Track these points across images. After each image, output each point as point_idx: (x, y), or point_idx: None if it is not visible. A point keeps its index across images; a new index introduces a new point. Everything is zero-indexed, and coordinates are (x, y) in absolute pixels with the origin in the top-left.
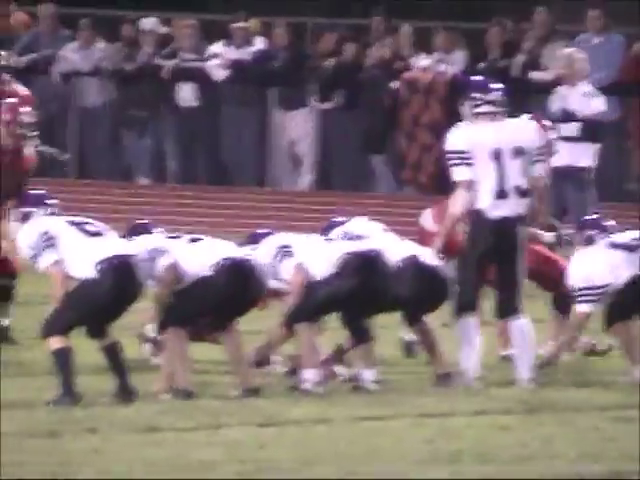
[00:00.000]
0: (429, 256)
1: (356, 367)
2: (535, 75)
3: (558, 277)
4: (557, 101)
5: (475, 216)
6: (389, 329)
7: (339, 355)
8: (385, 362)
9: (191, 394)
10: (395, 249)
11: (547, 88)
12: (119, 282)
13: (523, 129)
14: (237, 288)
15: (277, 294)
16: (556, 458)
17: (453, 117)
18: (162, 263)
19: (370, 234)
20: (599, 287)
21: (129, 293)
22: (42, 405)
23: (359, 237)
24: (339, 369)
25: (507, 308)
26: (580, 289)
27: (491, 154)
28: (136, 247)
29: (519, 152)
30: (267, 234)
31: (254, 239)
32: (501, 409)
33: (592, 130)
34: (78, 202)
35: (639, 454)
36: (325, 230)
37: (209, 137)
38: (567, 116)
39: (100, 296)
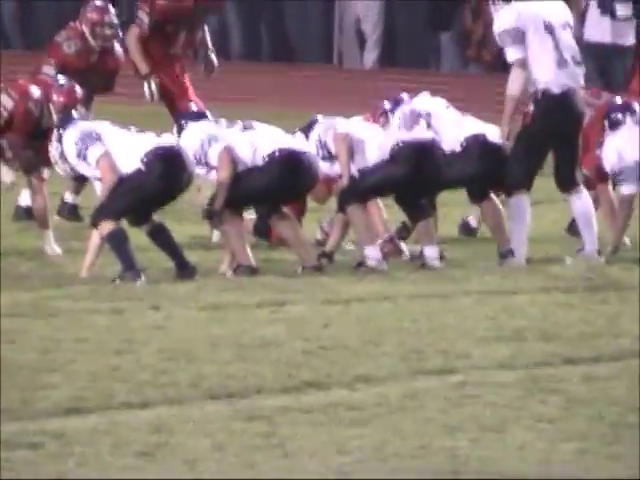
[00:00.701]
0: (492, 134)
1: (419, 244)
2: None
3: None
4: None
5: (540, 95)
6: (454, 207)
7: (404, 232)
8: (449, 240)
9: (255, 271)
10: (459, 126)
11: None
12: (166, 171)
13: (563, 6)
14: (290, 179)
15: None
16: (620, 336)
17: None
18: (215, 150)
19: (434, 110)
20: (634, 165)
21: (177, 182)
22: (106, 281)
23: (425, 114)
24: (404, 246)
25: (570, 183)
26: (618, 171)
27: (545, 27)
28: (186, 137)
29: (567, 25)
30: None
31: (309, 125)
32: (564, 287)
33: None
34: None
35: None
36: (392, 107)
37: (273, 12)
38: None
39: (149, 185)
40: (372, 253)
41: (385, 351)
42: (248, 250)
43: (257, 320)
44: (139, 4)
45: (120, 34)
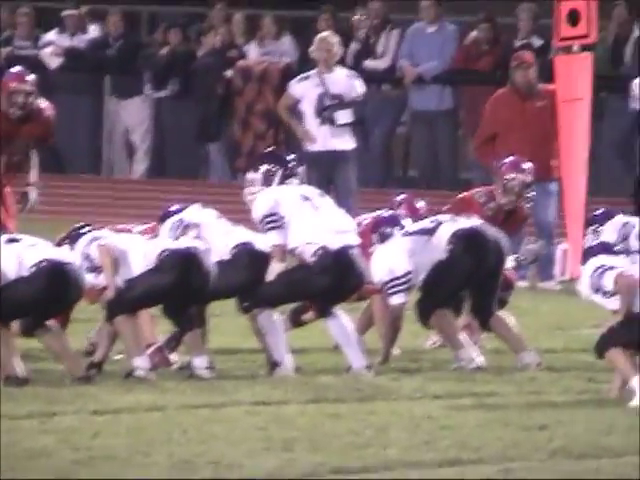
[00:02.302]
0: (262, 241)
1: (188, 354)
2: (369, 64)
3: None
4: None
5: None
6: (224, 317)
7: (173, 342)
8: (219, 350)
9: (24, 381)
10: (229, 236)
11: (381, 77)
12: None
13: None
14: (56, 291)
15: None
16: (389, 446)
17: None
18: None
19: (205, 221)
20: (404, 275)
21: None
22: None
23: (194, 225)
24: (173, 356)
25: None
26: (387, 282)
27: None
28: None
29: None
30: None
31: (74, 237)
32: (333, 398)
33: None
34: None
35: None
36: (161, 218)
37: None
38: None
39: None
40: (141, 363)
41: (155, 461)
42: (18, 360)
43: (27, 431)
44: None
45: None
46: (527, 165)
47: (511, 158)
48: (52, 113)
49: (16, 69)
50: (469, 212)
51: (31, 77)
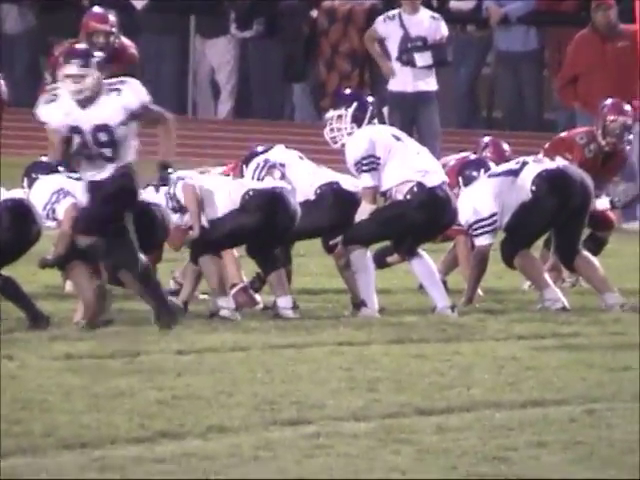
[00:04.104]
0: (346, 182)
1: (273, 295)
2: (454, 4)
3: None
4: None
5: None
6: (309, 257)
7: (258, 283)
8: (303, 291)
9: (108, 322)
10: (313, 176)
11: (466, 17)
12: (15, 225)
13: None
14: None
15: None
16: (472, 387)
17: None
18: (62, 206)
19: (289, 162)
20: (490, 217)
21: (25, 235)
22: None
23: (279, 165)
24: (258, 296)
25: (410, 250)
26: (473, 223)
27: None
28: (36, 190)
29: None
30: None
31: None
32: (418, 338)
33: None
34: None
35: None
36: (246, 159)
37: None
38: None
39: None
40: (225, 303)
41: (239, 401)
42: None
43: (111, 370)
44: None
45: None
46: (628, 107)
47: (612, 100)
48: (135, 51)
49: (96, 9)
50: (569, 153)
51: (112, 17)
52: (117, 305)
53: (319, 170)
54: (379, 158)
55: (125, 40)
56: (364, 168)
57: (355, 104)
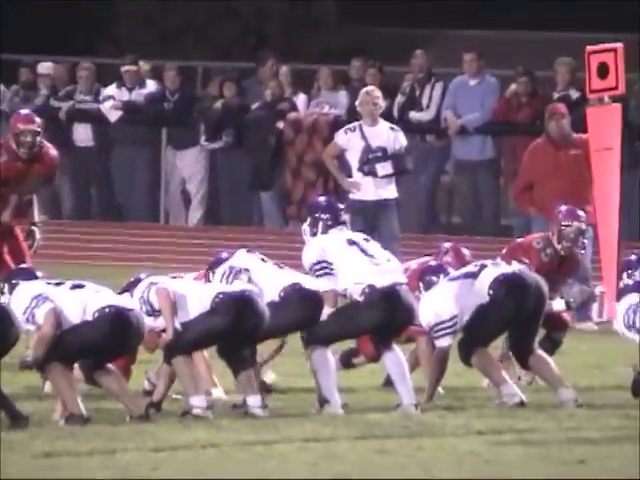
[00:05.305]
0: (310, 282)
1: (242, 394)
2: (414, 115)
3: None
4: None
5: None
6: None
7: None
8: (271, 389)
9: (86, 420)
10: (277, 278)
11: (426, 128)
12: None
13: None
14: (118, 336)
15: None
16: None
17: None
18: (42, 311)
19: (252, 266)
20: (450, 319)
21: (7, 340)
22: None
23: (244, 270)
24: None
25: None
26: (434, 326)
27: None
28: (17, 296)
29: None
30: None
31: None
32: (381, 434)
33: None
34: None
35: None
36: (212, 265)
37: (103, 176)
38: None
39: None
40: (198, 402)
41: None
42: (78, 400)
43: (88, 468)
44: None
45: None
46: (582, 213)
47: (567, 206)
48: (56, 153)
49: (24, 110)
50: (526, 257)
51: (38, 119)
52: (94, 404)
53: (282, 272)
54: (331, 263)
55: (47, 143)
56: (318, 273)
57: (310, 216)
